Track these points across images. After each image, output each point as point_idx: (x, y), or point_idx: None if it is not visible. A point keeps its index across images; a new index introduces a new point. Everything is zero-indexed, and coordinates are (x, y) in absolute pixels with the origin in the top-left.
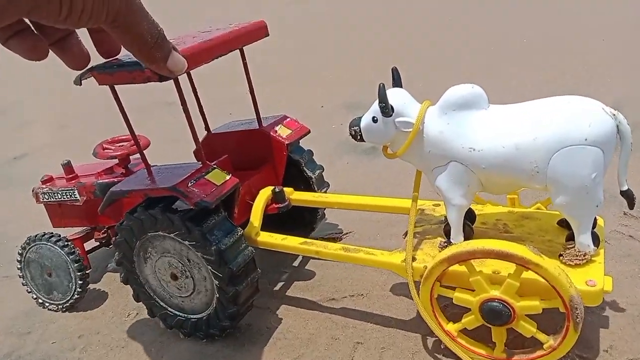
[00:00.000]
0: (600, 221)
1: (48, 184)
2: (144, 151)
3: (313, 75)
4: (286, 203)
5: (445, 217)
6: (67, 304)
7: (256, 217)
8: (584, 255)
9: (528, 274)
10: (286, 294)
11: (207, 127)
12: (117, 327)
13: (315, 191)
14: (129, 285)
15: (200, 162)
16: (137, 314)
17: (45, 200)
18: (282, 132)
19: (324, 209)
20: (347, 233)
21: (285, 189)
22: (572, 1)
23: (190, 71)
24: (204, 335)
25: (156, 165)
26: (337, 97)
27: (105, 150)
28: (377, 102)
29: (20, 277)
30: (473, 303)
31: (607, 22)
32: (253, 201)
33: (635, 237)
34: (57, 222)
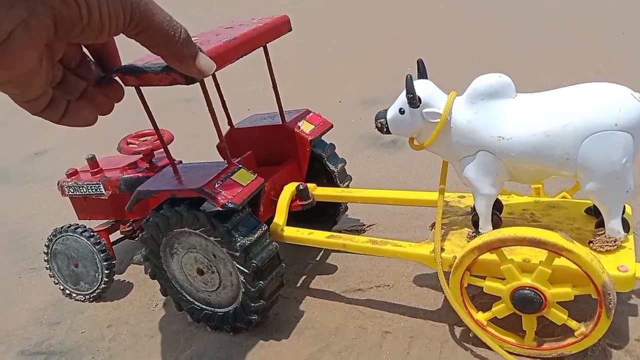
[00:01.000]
0: (628, 209)
1: (73, 177)
2: (168, 146)
3: (329, 70)
4: (310, 200)
5: (472, 208)
6: (94, 294)
7: (281, 213)
8: (615, 242)
9: (559, 261)
10: (312, 284)
11: (230, 122)
12: (145, 317)
13: (337, 185)
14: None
15: (225, 161)
16: (165, 304)
17: (70, 193)
18: (305, 127)
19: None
20: (370, 225)
21: (308, 185)
22: None
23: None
24: (231, 328)
25: (181, 163)
26: (354, 92)
27: (130, 145)
28: (403, 93)
29: (47, 269)
30: (504, 291)
31: (626, 15)
32: (277, 197)
33: None
34: (82, 214)
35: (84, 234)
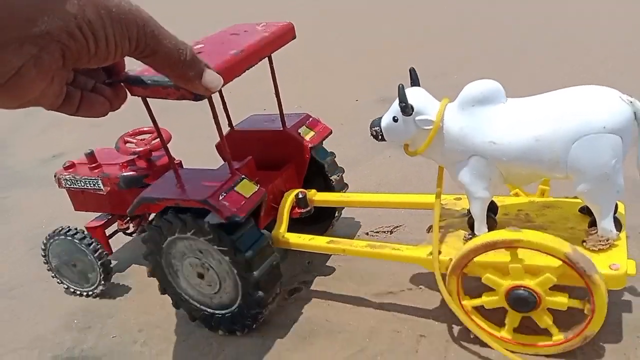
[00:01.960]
0: (620, 207)
1: (71, 170)
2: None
3: (345, 69)
4: (308, 208)
5: (468, 210)
6: (100, 287)
7: (282, 220)
8: (607, 240)
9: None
10: (342, 288)
11: (230, 123)
12: (175, 321)
13: (335, 192)
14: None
15: (226, 165)
16: None
17: (67, 186)
18: (306, 134)
19: (342, 208)
20: (397, 227)
21: (309, 191)
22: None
23: None
24: (241, 326)
25: (180, 163)
26: (371, 91)
27: (127, 145)
28: (396, 102)
29: (53, 277)
30: (502, 286)
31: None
32: (275, 203)
33: None
34: (79, 207)
35: (68, 234)
